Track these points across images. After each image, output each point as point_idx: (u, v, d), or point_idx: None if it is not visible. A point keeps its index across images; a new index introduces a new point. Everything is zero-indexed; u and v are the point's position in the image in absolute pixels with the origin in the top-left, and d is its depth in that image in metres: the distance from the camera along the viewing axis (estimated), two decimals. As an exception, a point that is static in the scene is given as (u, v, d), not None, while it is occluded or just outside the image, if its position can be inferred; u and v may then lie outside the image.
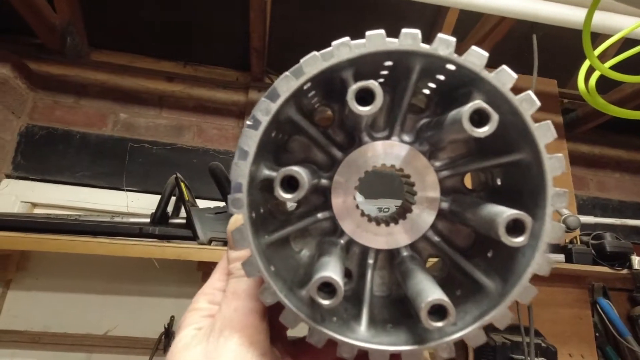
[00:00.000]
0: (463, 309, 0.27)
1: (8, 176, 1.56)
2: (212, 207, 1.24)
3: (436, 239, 0.32)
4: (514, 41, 1.51)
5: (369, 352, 0.26)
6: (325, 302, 0.24)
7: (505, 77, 0.25)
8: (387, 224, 0.32)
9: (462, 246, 0.33)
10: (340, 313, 0.29)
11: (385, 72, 0.30)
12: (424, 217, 0.31)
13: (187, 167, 1.38)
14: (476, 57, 0.25)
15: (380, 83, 0.30)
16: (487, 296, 0.27)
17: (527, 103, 0.25)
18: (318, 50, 0.26)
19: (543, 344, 1.40)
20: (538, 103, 0.25)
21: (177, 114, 1.76)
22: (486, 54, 0.25)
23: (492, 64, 0.26)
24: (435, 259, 0.35)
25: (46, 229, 1.10)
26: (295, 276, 0.30)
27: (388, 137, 0.32)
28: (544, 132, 0.25)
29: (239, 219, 0.26)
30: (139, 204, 1.61)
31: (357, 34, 0.27)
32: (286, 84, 0.26)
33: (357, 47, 0.26)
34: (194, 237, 1.15)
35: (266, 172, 0.28)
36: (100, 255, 1.48)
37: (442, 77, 0.29)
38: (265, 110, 0.26)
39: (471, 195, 0.33)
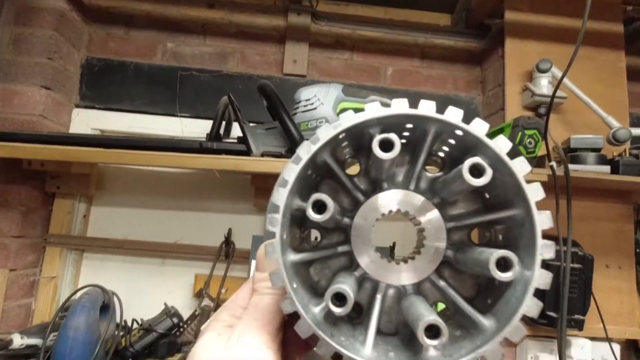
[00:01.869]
0: (460, 345, 0.31)
1: (77, 106, 1.72)
2: (262, 123, 1.33)
3: (441, 283, 0.36)
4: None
5: None
6: (337, 310, 0.29)
7: (502, 143, 0.31)
8: (397, 263, 0.36)
9: (466, 295, 0.37)
10: (348, 335, 0.33)
11: (406, 134, 0.36)
12: (430, 261, 0.36)
13: (233, 93, 1.45)
14: (479, 125, 0.31)
15: (402, 144, 0.36)
16: (483, 334, 0.30)
17: (521, 166, 0.30)
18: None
19: (580, 252, 1.38)
20: (529, 167, 0.30)
21: (220, 41, 1.82)
22: (487, 125, 0.31)
23: None
24: (440, 304, 0.39)
25: (121, 145, 1.24)
26: (311, 298, 0.34)
27: (405, 188, 0.38)
28: (535, 191, 0.30)
29: (264, 250, 0.32)
30: (192, 129, 1.74)
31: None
32: (326, 132, 0.32)
33: (385, 109, 0.32)
34: (247, 152, 1.25)
35: (299, 202, 0.34)
36: (166, 173, 1.66)
37: (452, 141, 0.35)
38: (306, 150, 0.32)
39: (475, 247, 0.37)
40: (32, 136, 1.29)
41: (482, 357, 0.29)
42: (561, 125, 1.63)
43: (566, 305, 1.28)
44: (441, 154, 0.39)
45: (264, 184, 1.66)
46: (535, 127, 1.34)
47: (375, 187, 0.39)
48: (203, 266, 1.71)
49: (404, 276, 0.36)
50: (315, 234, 0.41)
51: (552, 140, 1.34)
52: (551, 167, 1.29)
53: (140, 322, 1.54)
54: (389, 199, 0.37)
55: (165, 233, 1.72)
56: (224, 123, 1.48)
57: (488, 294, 0.35)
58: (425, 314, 0.29)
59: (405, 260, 0.37)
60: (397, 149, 0.30)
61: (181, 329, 1.59)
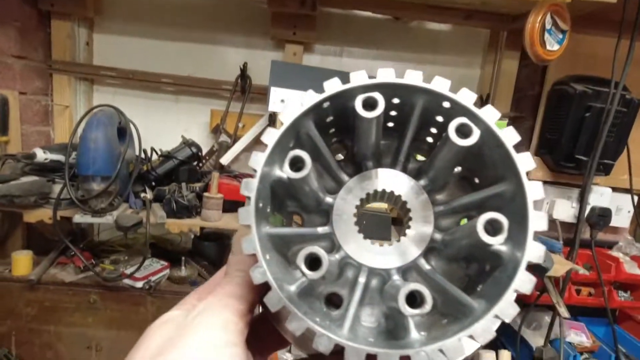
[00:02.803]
0: (447, 329, 0.28)
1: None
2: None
3: (427, 267, 0.34)
4: None
5: (345, 350, 0.26)
6: (310, 273, 0.26)
7: (491, 113, 0.30)
8: (382, 244, 0.34)
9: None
10: (324, 317, 0.30)
11: (394, 113, 0.35)
12: (416, 244, 0.34)
13: None
14: (466, 95, 0.30)
15: (389, 127, 0.36)
16: (471, 315, 0.28)
17: (510, 135, 0.29)
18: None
19: (628, 96, 1.33)
20: (518, 136, 0.29)
21: None
22: (474, 94, 0.30)
23: None
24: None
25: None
26: (287, 276, 0.31)
27: (392, 167, 0.36)
28: (525, 161, 0.28)
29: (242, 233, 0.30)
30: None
31: None
32: (309, 97, 0.31)
33: (370, 78, 0.31)
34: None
35: (278, 172, 0.32)
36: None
37: (440, 119, 0.33)
38: (288, 115, 0.31)
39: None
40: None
41: (471, 337, 0.26)
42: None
43: (601, 147, 1.26)
44: (429, 139, 0.37)
45: (281, 6, 1.59)
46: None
47: (361, 169, 0.37)
48: (218, 103, 1.68)
49: (388, 259, 0.34)
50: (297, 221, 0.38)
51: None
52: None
53: (159, 151, 1.62)
54: (373, 178, 0.36)
55: (177, 66, 1.70)
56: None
57: (478, 282, 0.32)
58: (409, 284, 0.26)
59: (390, 243, 0.34)
60: (381, 106, 0.29)
61: (200, 164, 1.64)
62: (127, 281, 1.49)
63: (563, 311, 1.40)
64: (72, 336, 1.48)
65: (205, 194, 1.47)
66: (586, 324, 1.78)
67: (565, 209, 1.70)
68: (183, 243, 1.85)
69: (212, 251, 1.74)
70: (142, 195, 1.46)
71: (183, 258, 1.58)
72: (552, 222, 1.72)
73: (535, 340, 1.68)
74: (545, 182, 1.62)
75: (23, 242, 1.66)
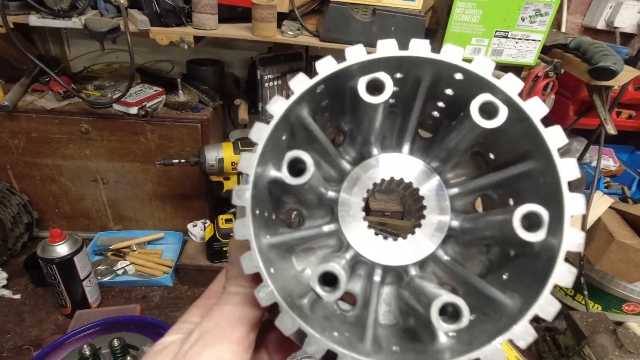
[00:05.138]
0: (478, 329, 0.25)
1: None
2: None
3: (446, 258, 0.31)
4: None
5: None
6: (326, 295, 0.23)
7: (512, 83, 0.25)
8: (395, 239, 0.31)
9: (475, 273, 0.31)
10: (342, 330, 0.27)
11: (395, 89, 0.30)
12: (433, 234, 0.30)
13: None
14: (483, 64, 0.26)
15: (391, 104, 0.31)
16: (505, 314, 0.25)
17: (537, 107, 0.25)
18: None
19: None
20: (547, 108, 0.25)
21: None
22: (493, 63, 0.26)
23: None
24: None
25: None
26: (295, 288, 0.28)
27: (397, 152, 0.32)
28: (556, 136, 0.24)
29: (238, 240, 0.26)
30: None
31: None
32: (300, 83, 0.26)
33: (368, 54, 0.26)
34: None
35: (274, 172, 0.28)
36: None
37: (450, 92, 0.29)
38: (279, 106, 0.26)
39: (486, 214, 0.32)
40: None
41: (510, 341, 0.23)
42: None
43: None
44: (435, 114, 0.33)
45: None
46: None
47: (363, 156, 0.33)
48: None
49: (404, 255, 0.31)
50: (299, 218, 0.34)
51: None
52: None
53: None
54: (380, 166, 0.32)
55: None
56: None
57: (502, 269, 0.29)
58: (438, 293, 0.23)
59: (403, 237, 0.31)
60: (388, 89, 0.24)
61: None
62: (119, 107, 1.28)
63: (610, 128, 1.25)
64: (74, 169, 1.40)
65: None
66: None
67: (630, 16, 1.51)
68: (174, 73, 1.59)
69: (209, 75, 1.51)
70: (113, -2, 1.14)
71: (179, 80, 1.36)
72: (610, 32, 1.58)
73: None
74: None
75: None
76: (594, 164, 1.64)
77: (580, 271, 1.28)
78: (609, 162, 1.74)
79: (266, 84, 1.39)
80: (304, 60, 1.44)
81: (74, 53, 1.57)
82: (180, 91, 1.36)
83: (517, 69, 1.28)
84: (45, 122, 1.30)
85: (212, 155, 1.27)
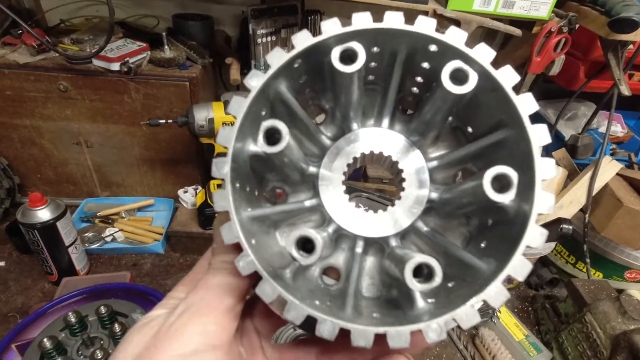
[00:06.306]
0: (455, 295, 0.26)
1: None
2: None
3: (426, 229, 0.31)
4: None
5: (351, 333, 0.24)
6: (302, 258, 0.24)
7: (485, 52, 0.26)
8: (375, 211, 0.31)
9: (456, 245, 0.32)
10: (323, 300, 0.27)
11: (373, 65, 0.31)
12: (412, 206, 0.31)
13: None
14: (455, 34, 0.26)
15: (371, 81, 0.32)
16: (480, 278, 0.26)
17: (508, 75, 0.25)
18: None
19: None
20: (518, 77, 0.26)
21: None
22: (465, 33, 0.26)
23: None
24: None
25: None
26: (278, 262, 0.29)
27: (377, 126, 0.32)
28: (526, 103, 0.25)
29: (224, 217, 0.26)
30: None
31: None
32: (277, 57, 0.27)
33: (344, 27, 0.27)
34: None
35: (253, 147, 0.28)
36: None
37: (427, 65, 0.30)
38: (256, 79, 0.26)
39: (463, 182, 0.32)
40: None
41: (484, 301, 0.24)
42: None
43: None
44: (415, 90, 0.33)
45: None
46: None
47: (344, 132, 0.33)
48: None
49: (384, 227, 0.31)
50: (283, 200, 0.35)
51: None
52: None
53: None
54: (359, 140, 0.32)
55: None
56: None
57: (480, 238, 0.30)
58: (413, 255, 0.24)
59: (383, 209, 0.31)
60: (361, 58, 0.25)
61: None
62: (99, 63, 1.18)
63: (624, 89, 1.20)
64: (54, 131, 1.31)
65: None
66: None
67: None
68: (159, 29, 1.45)
69: (198, 30, 1.40)
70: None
71: (164, 34, 1.25)
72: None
73: (567, 131, 1.54)
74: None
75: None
76: (601, 129, 1.58)
77: (583, 238, 1.25)
78: (617, 127, 1.70)
79: (259, 40, 1.29)
80: (299, 14, 1.33)
81: (50, 4, 1.45)
82: (166, 46, 1.26)
83: (528, 24, 1.19)
84: (19, 78, 1.21)
85: (201, 115, 1.19)
